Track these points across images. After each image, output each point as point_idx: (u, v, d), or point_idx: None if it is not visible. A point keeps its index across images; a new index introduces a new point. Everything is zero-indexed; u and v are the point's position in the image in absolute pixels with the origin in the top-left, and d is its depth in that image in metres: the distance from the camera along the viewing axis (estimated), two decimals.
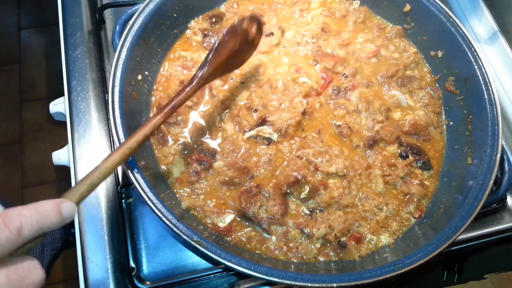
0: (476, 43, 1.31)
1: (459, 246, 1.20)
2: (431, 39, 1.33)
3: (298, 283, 0.92)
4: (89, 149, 1.22)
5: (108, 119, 1.26)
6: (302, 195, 1.14)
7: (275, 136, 1.19)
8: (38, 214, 0.62)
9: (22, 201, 2.55)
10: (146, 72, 1.23)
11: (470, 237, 1.20)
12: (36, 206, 0.63)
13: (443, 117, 1.30)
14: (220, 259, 0.93)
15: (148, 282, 1.10)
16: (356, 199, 1.16)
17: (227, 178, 1.13)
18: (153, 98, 1.25)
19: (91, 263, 1.09)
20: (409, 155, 1.22)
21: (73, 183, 1.18)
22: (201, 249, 0.94)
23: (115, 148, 0.92)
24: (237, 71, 1.29)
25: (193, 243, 0.94)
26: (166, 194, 1.08)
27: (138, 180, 1.00)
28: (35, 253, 2.08)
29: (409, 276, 1.24)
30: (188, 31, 1.36)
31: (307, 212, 1.13)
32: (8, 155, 2.66)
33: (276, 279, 0.92)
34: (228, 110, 1.23)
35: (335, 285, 0.92)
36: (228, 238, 1.09)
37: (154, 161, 1.16)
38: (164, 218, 0.96)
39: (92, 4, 1.46)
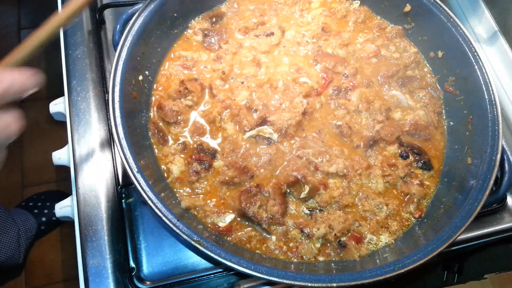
0: (476, 43, 1.31)
1: (459, 246, 1.20)
2: (432, 39, 1.33)
3: (298, 283, 0.92)
4: (89, 149, 1.22)
5: (108, 119, 1.26)
6: (302, 195, 1.14)
7: (275, 136, 1.19)
8: None
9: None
10: (147, 72, 1.23)
11: (470, 237, 1.20)
12: None
13: (444, 117, 1.30)
14: (220, 259, 0.93)
15: (148, 282, 1.10)
16: (356, 199, 1.16)
17: (227, 178, 1.13)
18: (153, 98, 1.25)
19: (91, 263, 1.09)
20: (410, 155, 1.22)
21: (73, 183, 1.18)
22: (201, 248, 0.94)
23: (114, 146, 0.91)
24: (237, 71, 1.29)
25: (193, 242, 0.94)
26: (166, 194, 1.08)
27: (138, 179, 1.00)
28: (11, 245, 2.14)
29: (409, 276, 1.24)
30: (188, 31, 1.36)
31: (307, 212, 1.13)
32: (8, 155, 2.66)
33: (276, 279, 0.92)
34: (228, 110, 1.23)
35: (335, 285, 0.92)
36: (228, 238, 1.09)
37: (154, 160, 1.16)
38: (164, 218, 0.96)
39: (92, 4, 1.46)
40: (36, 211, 2.38)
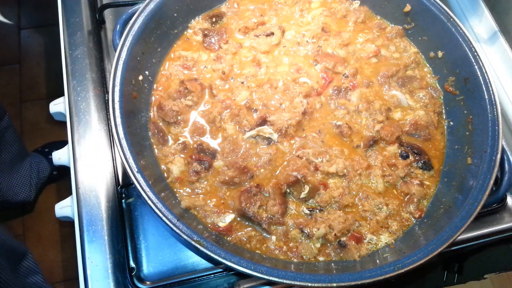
0: (476, 43, 1.31)
1: (459, 246, 1.20)
2: (432, 39, 1.33)
3: (298, 283, 0.92)
4: (89, 149, 1.22)
5: (108, 119, 1.26)
6: (302, 195, 1.14)
7: (275, 136, 1.19)
8: None
9: None
10: (147, 72, 1.23)
11: (470, 237, 1.20)
12: None
13: (444, 117, 1.30)
14: (220, 259, 0.93)
15: (148, 282, 1.10)
16: (356, 199, 1.16)
17: (227, 178, 1.13)
18: (153, 98, 1.25)
19: (91, 263, 1.09)
20: (410, 155, 1.22)
21: (73, 183, 1.18)
22: (201, 248, 0.94)
23: (114, 146, 0.92)
24: (237, 71, 1.29)
25: (193, 242, 0.94)
26: (166, 194, 1.08)
27: (138, 179, 1.00)
28: (24, 182, 2.30)
29: (409, 276, 1.24)
30: (188, 31, 1.37)
31: (307, 211, 1.13)
32: None
33: (276, 279, 0.92)
34: (228, 110, 1.23)
35: (335, 285, 0.92)
36: (228, 238, 1.09)
37: (154, 160, 1.16)
38: (164, 218, 0.96)
39: (92, 4, 1.46)
40: (50, 156, 2.50)
